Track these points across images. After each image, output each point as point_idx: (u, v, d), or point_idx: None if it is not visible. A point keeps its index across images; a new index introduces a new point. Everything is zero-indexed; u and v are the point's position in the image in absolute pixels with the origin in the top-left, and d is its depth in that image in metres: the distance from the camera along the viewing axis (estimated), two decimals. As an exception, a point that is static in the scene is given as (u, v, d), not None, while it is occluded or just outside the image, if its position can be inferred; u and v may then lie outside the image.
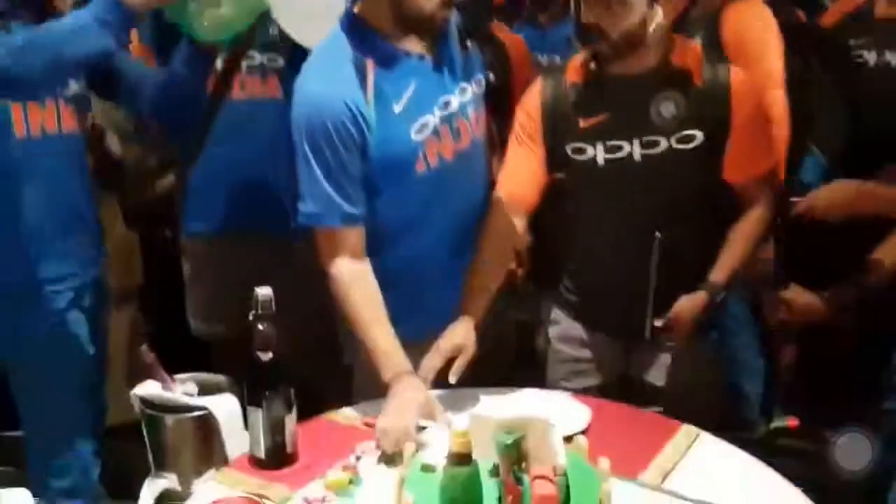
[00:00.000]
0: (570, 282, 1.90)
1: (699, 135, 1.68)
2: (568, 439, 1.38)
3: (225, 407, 1.63)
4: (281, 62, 2.22)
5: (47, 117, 1.82)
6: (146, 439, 1.65)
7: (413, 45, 1.68)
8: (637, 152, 1.69)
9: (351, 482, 1.42)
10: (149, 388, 1.67)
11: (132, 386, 1.73)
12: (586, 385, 1.85)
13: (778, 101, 2.10)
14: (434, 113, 1.70)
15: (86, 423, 1.94)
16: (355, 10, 1.68)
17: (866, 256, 1.74)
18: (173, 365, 1.73)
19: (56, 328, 1.88)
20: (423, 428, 1.50)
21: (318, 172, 1.64)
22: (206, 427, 1.61)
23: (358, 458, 1.48)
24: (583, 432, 1.53)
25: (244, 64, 2.18)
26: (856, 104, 1.79)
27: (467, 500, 1.24)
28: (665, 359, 1.82)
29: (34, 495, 1.41)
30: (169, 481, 1.63)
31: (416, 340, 1.66)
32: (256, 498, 1.37)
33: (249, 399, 1.48)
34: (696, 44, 1.74)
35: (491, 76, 1.88)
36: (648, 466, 1.47)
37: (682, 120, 1.67)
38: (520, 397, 1.70)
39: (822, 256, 1.81)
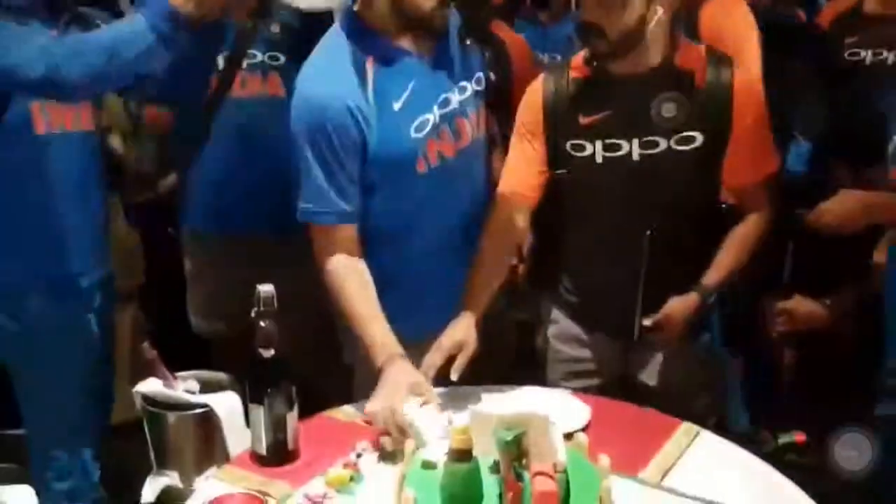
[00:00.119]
0: (569, 281, 1.89)
1: (699, 137, 1.68)
2: (568, 437, 1.38)
3: (226, 404, 1.64)
4: (282, 60, 2.22)
5: (66, 114, 1.82)
6: (148, 437, 1.66)
7: (412, 44, 1.69)
8: (636, 152, 1.69)
9: (352, 479, 1.43)
10: (150, 386, 1.68)
11: (134, 384, 1.74)
12: (585, 385, 1.84)
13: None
14: (434, 111, 1.70)
15: (91, 424, 1.93)
16: (355, 8, 1.68)
17: (865, 261, 1.74)
18: (175, 363, 1.74)
19: (66, 327, 1.87)
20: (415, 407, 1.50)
21: (316, 170, 1.65)
22: (208, 424, 1.62)
23: (359, 456, 1.49)
24: (583, 430, 1.53)
25: (245, 62, 2.18)
26: (852, 98, 1.78)
27: (468, 497, 1.25)
28: (659, 359, 1.82)
29: (37, 493, 1.42)
30: (171, 478, 1.64)
31: (416, 340, 1.66)
32: (258, 495, 1.38)
33: (251, 396, 1.49)
34: (701, 46, 1.73)
35: (491, 75, 1.88)
36: (648, 464, 1.47)
37: (682, 121, 1.67)
38: (520, 395, 1.70)
39: (821, 262, 1.81)
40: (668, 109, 1.66)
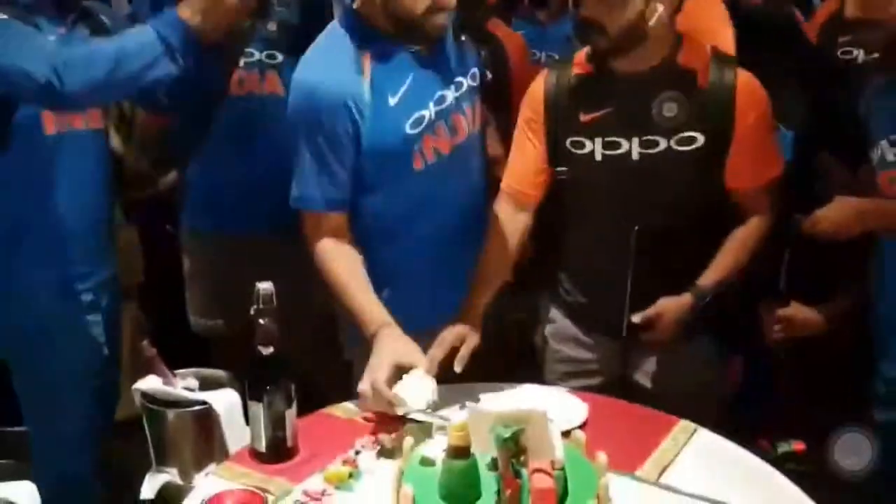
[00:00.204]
0: (567, 280, 1.89)
1: (700, 138, 1.66)
2: (566, 434, 1.38)
3: (225, 401, 1.65)
4: (280, 58, 2.23)
5: (75, 114, 1.82)
6: (147, 434, 1.67)
7: (409, 42, 1.69)
8: (635, 150, 1.69)
9: (351, 476, 1.44)
10: (150, 384, 1.69)
11: (133, 382, 1.75)
12: (583, 385, 1.83)
13: None
14: (429, 107, 1.71)
15: (94, 423, 1.93)
16: (354, 6, 1.69)
17: (860, 266, 1.73)
18: (174, 360, 1.75)
19: (75, 326, 1.88)
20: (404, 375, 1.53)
21: (308, 157, 1.68)
22: (207, 421, 1.62)
23: (357, 452, 1.49)
24: (580, 427, 1.54)
25: (242, 60, 2.19)
26: (842, 95, 1.77)
27: (466, 494, 1.25)
28: (656, 360, 1.81)
29: (39, 490, 1.43)
30: (170, 475, 1.64)
31: (414, 334, 1.67)
32: (258, 491, 1.38)
33: (250, 394, 1.49)
34: (706, 46, 1.71)
35: (488, 74, 1.89)
36: (646, 461, 1.48)
37: (683, 121, 1.66)
38: (518, 392, 1.70)
39: (818, 267, 1.80)
40: (670, 109, 1.66)
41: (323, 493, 1.40)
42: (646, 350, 1.82)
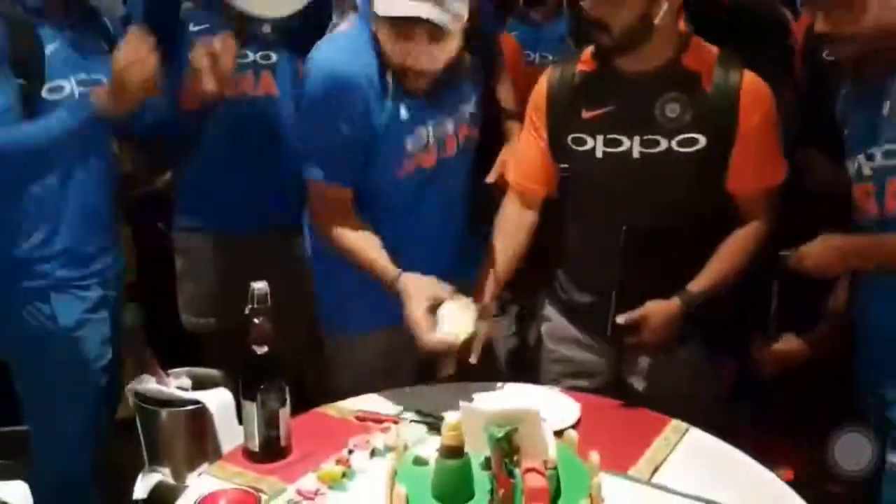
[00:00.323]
0: (563, 277, 1.89)
1: (702, 139, 1.65)
2: (558, 434, 1.39)
3: (218, 401, 1.64)
4: (274, 58, 2.23)
5: None
6: (140, 433, 1.66)
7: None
8: (636, 149, 1.68)
9: (344, 475, 1.44)
10: (143, 383, 1.68)
11: (127, 381, 1.74)
12: (577, 385, 1.82)
13: None
14: (429, 131, 1.75)
15: (95, 423, 1.93)
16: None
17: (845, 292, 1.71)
18: (167, 359, 1.74)
19: (80, 325, 1.87)
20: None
21: (325, 132, 1.70)
22: (200, 421, 1.62)
23: (351, 452, 1.50)
24: (573, 427, 1.54)
25: (237, 62, 2.18)
26: (827, 96, 1.76)
27: (459, 493, 1.26)
28: (652, 364, 1.80)
29: (37, 490, 1.42)
30: (163, 475, 1.64)
31: (397, 324, 1.70)
32: (251, 491, 1.38)
33: (244, 393, 1.49)
34: (714, 48, 1.70)
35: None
36: (638, 461, 1.49)
37: (685, 123, 1.65)
38: (510, 392, 1.71)
39: (807, 296, 1.78)
40: (672, 110, 1.65)
41: (316, 492, 1.40)
42: (639, 352, 1.80)
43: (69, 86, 1.80)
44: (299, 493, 1.40)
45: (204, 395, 1.64)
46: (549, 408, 1.53)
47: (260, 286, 1.47)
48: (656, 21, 1.60)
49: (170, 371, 1.72)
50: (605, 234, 1.72)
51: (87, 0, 1.88)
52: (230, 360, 1.69)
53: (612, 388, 1.81)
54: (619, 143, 1.69)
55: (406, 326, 1.61)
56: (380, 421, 1.61)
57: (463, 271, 1.79)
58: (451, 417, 1.27)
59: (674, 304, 1.68)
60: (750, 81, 1.66)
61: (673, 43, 1.66)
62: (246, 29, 2.17)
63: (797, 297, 1.74)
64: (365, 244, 1.73)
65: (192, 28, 2.15)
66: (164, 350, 1.79)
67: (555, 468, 1.25)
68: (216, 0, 2.12)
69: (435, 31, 1.59)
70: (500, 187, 1.91)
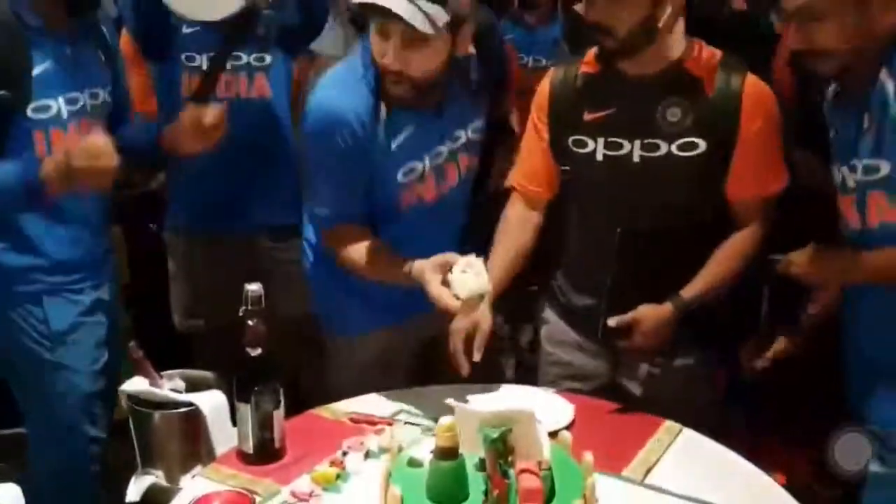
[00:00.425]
0: (561, 279, 1.88)
1: (702, 144, 1.64)
2: (552, 434, 1.39)
3: (212, 403, 1.64)
4: (268, 60, 2.23)
5: (70, 141, 1.78)
6: (133, 435, 1.66)
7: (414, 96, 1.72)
8: (636, 153, 1.67)
9: (338, 477, 1.44)
10: (136, 385, 1.68)
11: (120, 383, 1.74)
12: (574, 388, 1.81)
13: None
14: (424, 160, 1.77)
15: (94, 424, 1.91)
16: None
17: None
18: (159, 360, 1.74)
19: (74, 329, 1.86)
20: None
21: (326, 180, 1.74)
22: (194, 423, 1.61)
23: (345, 454, 1.50)
24: (567, 428, 1.55)
25: (230, 63, 2.18)
26: (818, 101, 1.75)
27: (454, 494, 1.26)
28: (645, 369, 1.78)
29: (35, 492, 1.41)
30: (156, 477, 1.63)
31: (397, 323, 1.73)
32: (245, 493, 1.38)
33: (238, 395, 1.49)
34: (717, 52, 1.69)
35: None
36: (632, 461, 1.49)
37: (686, 127, 1.64)
38: (505, 393, 1.71)
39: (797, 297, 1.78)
40: (673, 114, 1.64)
41: (311, 494, 1.40)
42: (632, 356, 1.79)
43: (56, 105, 1.76)
44: (293, 494, 1.40)
45: (197, 397, 1.64)
46: (544, 409, 1.53)
47: (254, 288, 1.47)
48: (659, 25, 1.60)
49: (163, 372, 1.71)
50: (603, 237, 1.71)
51: (90, 13, 1.85)
52: (223, 362, 1.69)
53: (610, 392, 1.80)
54: (620, 147, 1.68)
55: (417, 322, 1.65)
56: (374, 423, 1.61)
57: None
58: (444, 419, 1.27)
59: (666, 308, 1.66)
60: (752, 85, 1.64)
61: (676, 46, 1.65)
62: (239, 30, 2.17)
63: (788, 300, 1.74)
64: (380, 253, 1.74)
65: (185, 30, 2.16)
66: (157, 351, 1.78)
67: (549, 469, 1.25)
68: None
69: (412, 35, 1.59)
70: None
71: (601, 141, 1.69)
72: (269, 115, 2.26)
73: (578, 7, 1.66)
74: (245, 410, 1.48)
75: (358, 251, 1.75)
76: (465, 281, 1.53)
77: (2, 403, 1.94)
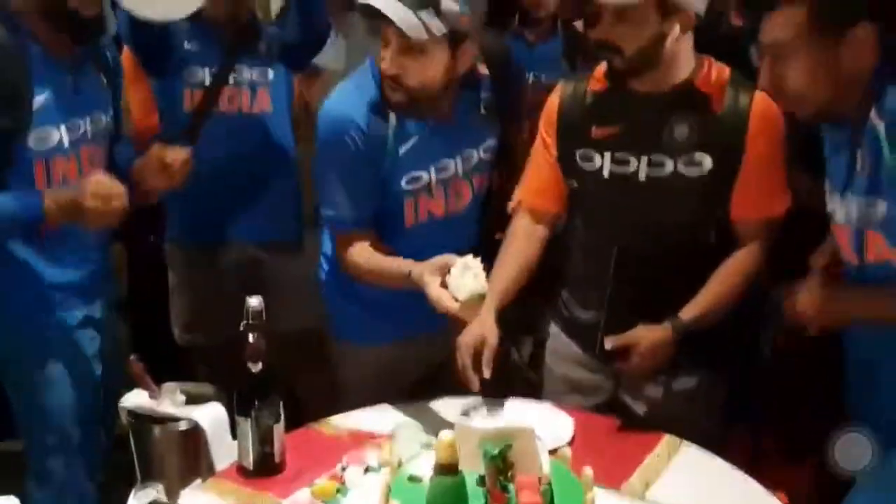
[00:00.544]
0: (566, 294, 1.87)
1: (708, 162, 1.63)
2: (552, 450, 1.39)
3: (211, 417, 1.64)
4: (270, 76, 2.25)
5: (70, 168, 1.79)
6: (133, 449, 1.65)
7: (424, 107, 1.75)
8: (643, 170, 1.67)
9: (338, 491, 1.44)
10: (136, 399, 1.68)
11: (120, 397, 1.74)
12: (576, 404, 1.80)
13: None
14: (429, 171, 1.78)
15: (92, 439, 1.92)
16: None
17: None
18: (159, 373, 1.74)
19: (70, 342, 1.86)
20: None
21: (334, 182, 1.76)
22: (193, 437, 1.61)
23: (344, 469, 1.50)
24: (567, 443, 1.55)
25: (232, 77, 2.20)
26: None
27: (454, 510, 1.26)
28: (649, 388, 1.77)
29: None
30: (156, 491, 1.63)
31: (405, 339, 1.74)
32: (244, 507, 1.38)
33: (238, 409, 1.49)
34: (726, 69, 1.66)
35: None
36: (631, 476, 1.49)
37: (693, 145, 1.63)
38: (505, 408, 1.71)
39: None
40: (681, 132, 1.64)
41: (310, 508, 1.40)
42: (632, 376, 1.77)
43: (58, 133, 1.76)
44: (293, 509, 1.41)
45: (197, 411, 1.63)
46: (544, 424, 1.53)
47: (254, 303, 1.47)
48: (667, 43, 1.60)
49: (162, 386, 1.71)
50: (605, 253, 1.71)
51: (95, 38, 1.84)
52: (223, 374, 1.69)
53: (613, 408, 1.78)
54: (627, 163, 1.68)
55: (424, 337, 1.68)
56: (373, 437, 1.61)
57: None
58: (444, 433, 1.27)
59: (665, 330, 1.65)
60: (760, 103, 1.63)
61: (685, 64, 1.65)
62: (242, 45, 2.19)
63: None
64: (384, 258, 1.76)
65: (187, 46, 2.17)
66: (157, 364, 1.79)
67: (549, 484, 1.25)
68: (210, 19, 2.14)
69: (409, 42, 1.63)
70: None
71: (608, 157, 1.69)
72: (271, 129, 2.28)
73: (578, 24, 1.67)
74: (245, 425, 1.49)
75: (361, 254, 1.78)
76: (463, 283, 1.54)
77: (2, 416, 1.94)
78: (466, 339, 1.62)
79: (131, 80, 2.31)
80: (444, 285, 1.56)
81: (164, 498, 1.61)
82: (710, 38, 1.74)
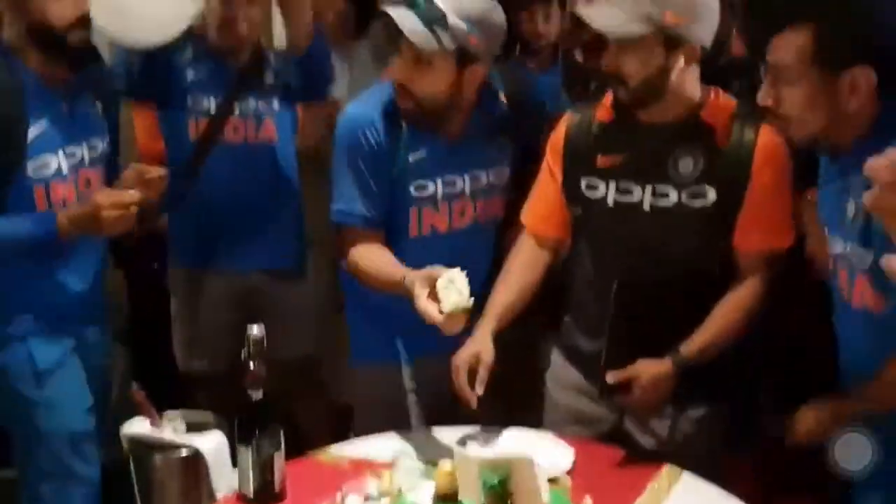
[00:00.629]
0: (568, 322, 1.87)
1: (712, 194, 1.64)
2: (552, 480, 1.39)
3: (212, 444, 1.64)
4: (276, 106, 2.27)
5: (69, 192, 1.82)
6: (133, 477, 1.65)
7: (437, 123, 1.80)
8: (647, 201, 1.67)
9: (338, 520, 1.44)
10: (137, 427, 1.68)
11: (120, 424, 1.74)
12: (578, 433, 1.78)
13: None
14: (436, 183, 1.82)
15: (90, 465, 1.92)
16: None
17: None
18: (160, 401, 1.74)
19: (59, 368, 1.86)
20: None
21: (352, 179, 1.80)
22: (194, 465, 1.61)
23: (344, 498, 1.49)
24: (567, 472, 1.54)
25: (238, 107, 2.22)
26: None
27: (453, 539, 1.26)
28: (656, 422, 1.76)
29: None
30: (156, 520, 1.63)
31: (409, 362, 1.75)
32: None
33: (239, 437, 1.49)
34: (732, 101, 1.67)
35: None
36: (631, 506, 1.49)
37: (697, 177, 1.64)
38: (505, 437, 1.71)
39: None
40: (685, 164, 1.64)
41: (310, 537, 1.40)
42: (633, 410, 1.76)
43: (56, 161, 1.78)
44: (293, 538, 1.40)
45: (198, 439, 1.64)
46: (544, 452, 1.53)
47: (256, 332, 1.48)
48: (672, 76, 1.61)
49: (164, 413, 1.72)
50: (608, 281, 1.70)
51: (89, 65, 1.86)
52: (224, 401, 1.70)
53: (616, 438, 1.77)
54: (631, 193, 1.69)
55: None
56: (373, 466, 1.61)
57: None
58: (444, 462, 1.27)
59: (665, 364, 1.63)
60: (766, 137, 1.62)
61: (691, 95, 1.66)
62: (247, 77, 2.21)
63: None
64: (384, 263, 1.77)
65: (191, 77, 2.20)
66: (158, 391, 1.79)
67: (548, 514, 1.25)
68: (215, 49, 2.17)
69: (419, 54, 1.69)
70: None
71: (612, 186, 1.70)
72: (275, 159, 2.30)
73: (577, 55, 1.69)
74: (246, 453, 1.49)
75: (361, 254, 1.80)
76: (447, 295, 1.55)
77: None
78: (462, 357, 1.62)
79: (136, 107, 2.34)
80: (434, 297, 1.57)
81: (164, 526, 1.61)
82: (712, 69, 1.76)
